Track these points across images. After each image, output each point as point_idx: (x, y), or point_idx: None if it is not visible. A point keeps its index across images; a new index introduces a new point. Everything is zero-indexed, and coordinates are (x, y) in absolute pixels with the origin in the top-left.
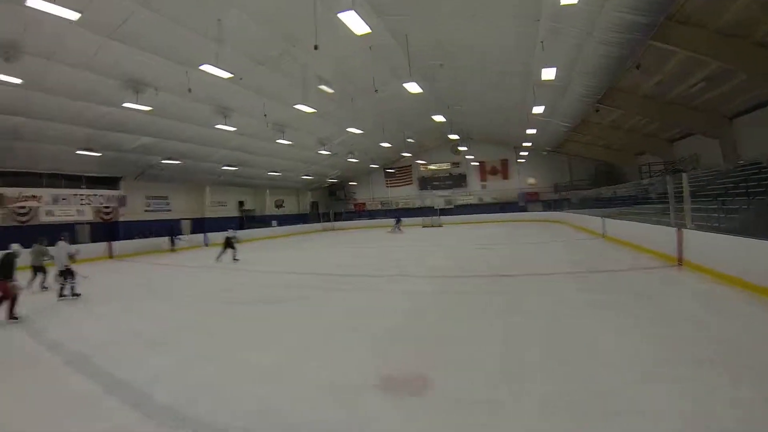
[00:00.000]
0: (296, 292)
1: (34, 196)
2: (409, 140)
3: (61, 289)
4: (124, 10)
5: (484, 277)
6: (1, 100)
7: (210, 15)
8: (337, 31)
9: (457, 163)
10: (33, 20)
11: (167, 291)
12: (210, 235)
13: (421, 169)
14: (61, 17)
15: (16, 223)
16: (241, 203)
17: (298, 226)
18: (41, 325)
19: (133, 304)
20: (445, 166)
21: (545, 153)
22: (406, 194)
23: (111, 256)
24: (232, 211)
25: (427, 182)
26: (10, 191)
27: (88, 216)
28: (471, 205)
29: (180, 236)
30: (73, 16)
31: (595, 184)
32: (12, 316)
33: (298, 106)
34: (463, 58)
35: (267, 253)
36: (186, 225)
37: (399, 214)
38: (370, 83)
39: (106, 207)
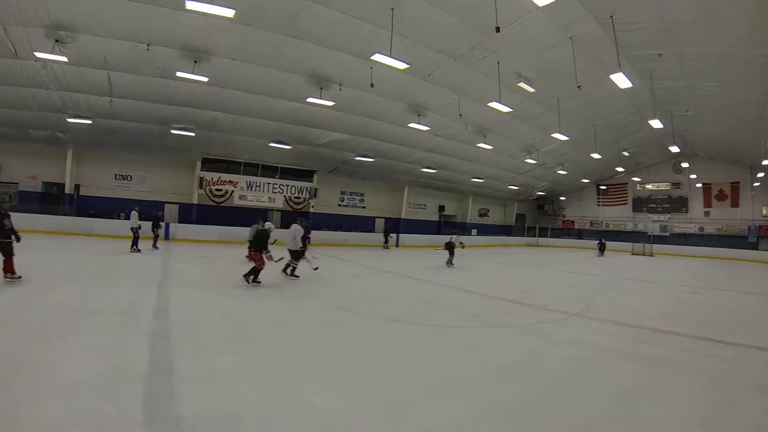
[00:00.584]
0: (442, 317)
1: (231, 181)
2: (624, 153)
3: (287, 267)
4: (292, 5)
5: (686, 337)
6: (198, 97)
7: (385, 4)
8: (522, 12)
9: (678, 184)
10: (215, 26)
11: (307, 291)
12: (406, 236)
13: (638, 188)
14: (222, 17)
15: (211, 203)
16: (441, 207)
17: (500, 237)
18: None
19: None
20: (664, 186)
21: None
22: (617, 215)
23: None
24: (431, 215)
25: (642, 203)
26: (209, 175)
27: (279, 204)
28: (689, 234)
29: (391, 234)
30: (229, 13)
31: None
32: (255, 279)
33: (493, 104)
34: (688, 41)
35: (436, 260)
36: (379, 224)
37: (607, 236)
38: (579, 84)
39: (297, 197)
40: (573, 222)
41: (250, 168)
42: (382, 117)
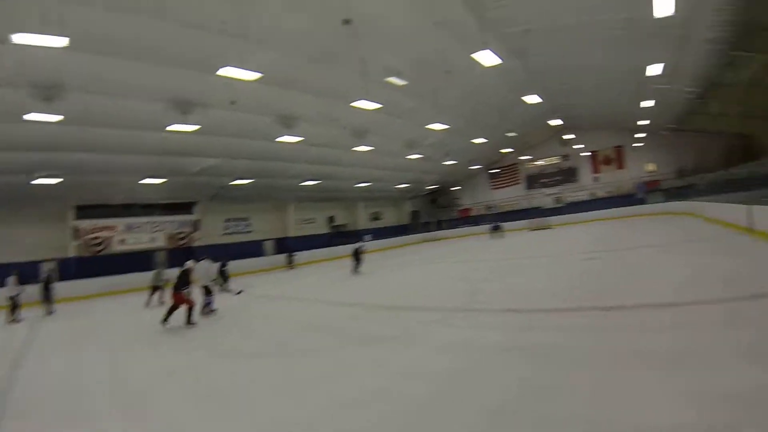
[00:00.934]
0: (309, 343)
1: (108, 227)
2: (509, 134)
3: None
4: (130, 26)
5: (584, 312)
6: (59, 138)
7: (227, 13)
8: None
9: (567, 156)
10: (61, 59)
11: (179, 333)
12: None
13: (528, 166)
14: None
15: (91, 254)
16: (331, 218)
17: (397, 238)
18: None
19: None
20: (553, 160)
21: (666, 132)
22: (512, 195)
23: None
24: (321, 228)
25: (534, 180)
26: (84, 224)
27: (161, 243)
28: (583, 201)
29: (295, 254)
30: (62, 42)
31: (730, 165)
32: (189, 321)
33: (358, 104)
34: (554, 14)
35: (333, 273)
36: (269, 245)
37: (502, 218)
38: (448, 69)
39: (179, 232)
40: (469, 210)
41: (128, 209)
42: (251, 135)
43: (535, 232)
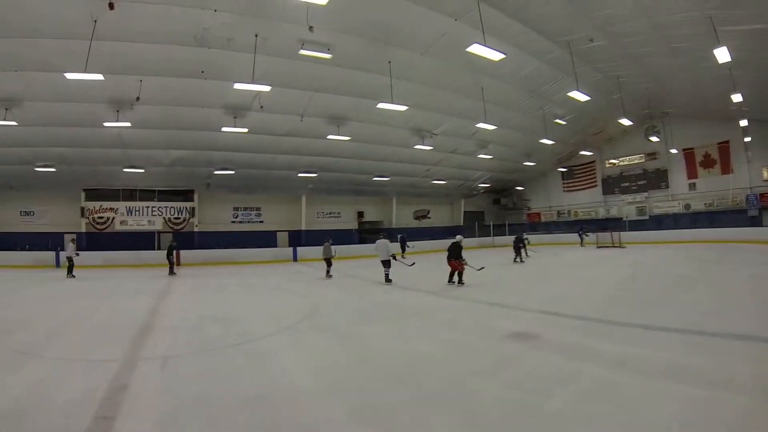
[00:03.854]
0: None
1: (111, 209)
2: (557, 121)
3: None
4: None
5: None
6: (51, 138)
7: None
8: None
9: (654, 154)
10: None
11: None
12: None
13: (607, 165)
14: None
15: (95, 230)
16: (360, 214)
17: (439, 241)
18: None
19: None
20: (637, 159)
21: None
22: (586, 200)
23: (179, 264)
24: (348, 223)
25: (613, 183)
26: (91, 204)
27: (158, 226)
28: (673, 215)
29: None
30: None
31: None
32: (460, 281)
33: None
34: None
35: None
36: (282, 237)
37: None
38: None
39: (177, 218)
40: (539, 214)
41: (128, 193)
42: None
43: (604, 249)
